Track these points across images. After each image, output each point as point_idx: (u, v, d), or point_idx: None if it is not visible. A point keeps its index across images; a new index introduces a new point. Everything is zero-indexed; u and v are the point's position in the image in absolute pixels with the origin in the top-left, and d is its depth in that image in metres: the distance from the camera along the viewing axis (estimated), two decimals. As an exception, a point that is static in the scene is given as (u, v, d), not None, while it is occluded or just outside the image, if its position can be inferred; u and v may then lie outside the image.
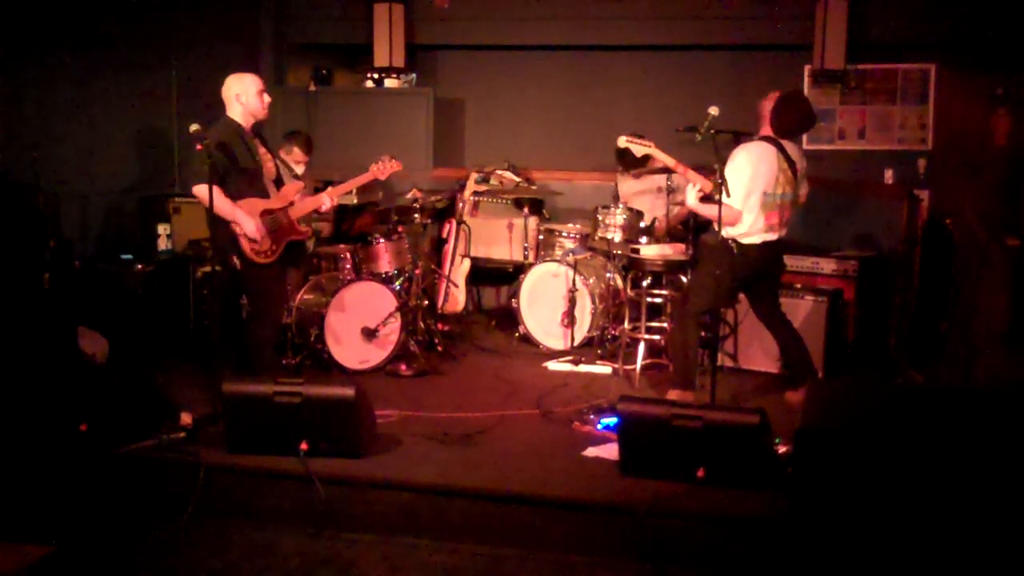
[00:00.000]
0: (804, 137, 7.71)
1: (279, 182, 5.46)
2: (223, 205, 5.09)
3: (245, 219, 5.18)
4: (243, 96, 5.28)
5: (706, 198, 5.20)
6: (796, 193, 5.43)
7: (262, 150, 5.41)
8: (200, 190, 5.11)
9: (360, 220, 7.61)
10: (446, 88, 8.58)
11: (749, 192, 5.18)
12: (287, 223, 5.39)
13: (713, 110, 5.17)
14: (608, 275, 6.80)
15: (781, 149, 5.28)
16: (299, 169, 6.77)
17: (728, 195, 5.06)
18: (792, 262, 6.35)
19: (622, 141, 5.59)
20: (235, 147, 5.22)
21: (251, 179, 5.29)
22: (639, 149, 5.53)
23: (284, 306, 5.88)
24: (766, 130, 5.33)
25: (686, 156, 5.57)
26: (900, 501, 3.77)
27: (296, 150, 6.81)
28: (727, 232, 5.24)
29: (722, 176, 4.96)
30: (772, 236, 5.33)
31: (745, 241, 5.26)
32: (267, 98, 5.37)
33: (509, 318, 7.26)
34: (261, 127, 5.46)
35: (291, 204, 5.42)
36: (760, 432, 4.14)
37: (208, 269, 6.19)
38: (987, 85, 7.10)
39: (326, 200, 5.63)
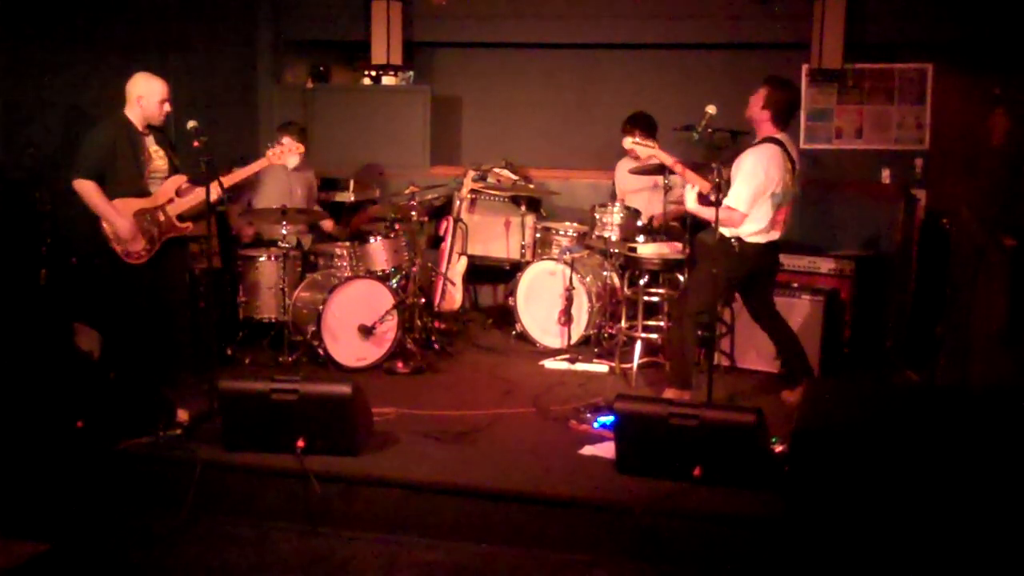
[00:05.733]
0: (801, 136, 7.75)
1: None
2: (98, 203, 5.22)
3: (116, 218, 5.26)
4: (144, 100, 5.37)
5: (706, 201, 5.19)
6: (795, 192, 5.44)
7: (154, 147, 5.45)
8: (81, 184, 5.22)
9: (357, 218, 7.61)
10: (444, 85, 8.56)
11: (759, 196, 5.17)
12: (164, 220, 5.41)
13: (710, 109, 5.18)
14: (605, 274, 6.80)
15: (784, 149, 5.28)
16: (294, 160, 6.75)
17: (726, 196, 5.07)
18: (789, 261, 6.35)
19: (628, 143, 5.61)
20: (120, 145, 5.29)
21: (129, 178, 5.33)
22: (644, 151, 5.55)
23: (179, 305, 5.65)
24: (766, 131, 5.31)
25: (683, 155, 5.58)
26: (896, 501, 3.78)
27: (289, 140, 6.81)
28: (730, 231, 5.24)
29: (720, 176, 4.96)
30: (775, 236, 5.34)
31: (750, 240, 5.26)
32: (167, 108, 5.42)
33: (506, 316, 7.27)
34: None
35: (170, 200, 5.44)
36: (756, 431, 4.14)
37: (204, 266, 6.19)
38: (984, 85, 7.10)
39: (213, 191, 5.60)
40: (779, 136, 5.30)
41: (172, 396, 4.98)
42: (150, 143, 5.46)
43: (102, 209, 5.25)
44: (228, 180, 5.67)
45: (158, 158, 5.48)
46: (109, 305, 5.55)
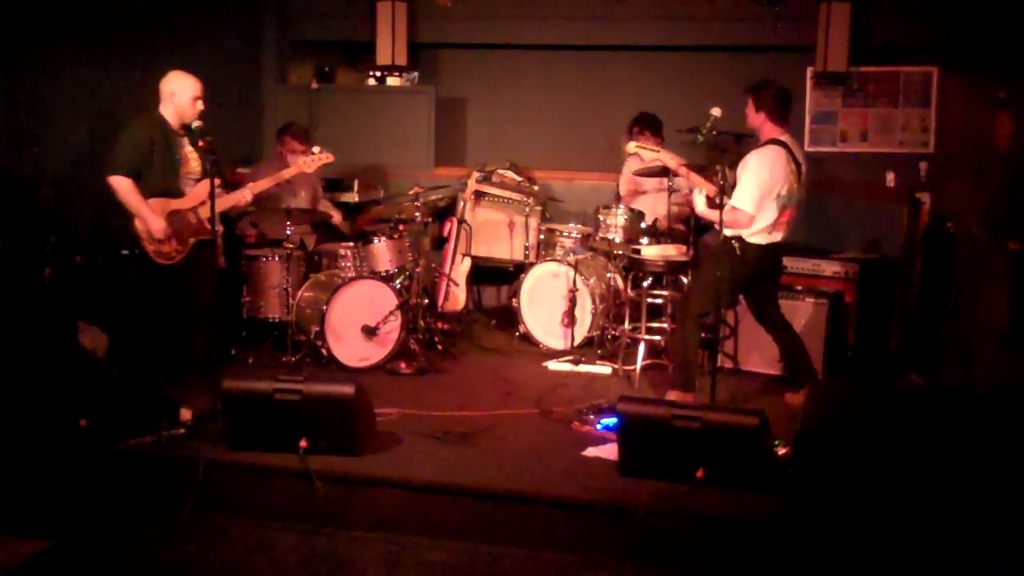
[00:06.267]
0: (806, 139, 7.74)
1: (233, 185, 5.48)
2: (133, 201, 5.22)
3: (151, 217, 5.25)
4: (177, 97, 5.36)
5: (715, 204, 5.19)
6: (800, 195, 5.44)
7: (187, 149, 5.45)
8: (118, 181, 5.22)
9: (361, 218, 7.61)
10: (448, 87, 8.57)
11: (764, 196, 5.17)
12: (195, 222, 5.42)
13: (715, 111, 5.18)
14: (609, 275, 6.79)
15: (789, 151, 5.29)
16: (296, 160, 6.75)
17: (731, 197, 5.07)
18: (793, 264, 6.35)
19: (631, 147, 5.62)
20: (156, 145, 5.30)
21: (164, 178, 5.34)
22: (648, 154, 5.55)
23: (203, 307, 5.55)
24: (768, 132, 5.32)
25: (687, 157, 5.58)
26: (899, 504, 3.77)
27: (290, 141, 6.81)
28: (732, 232, 5.23)
29: (725, 178, 4.96)
30: (777, 237, 5.34)
31: (751, 241, 5.26)
32: (200, 105, 5.38)
33: (509, 317, 7.26)
34: (197, 125, 5.35)
35: (203, 203, 5.44)
36: (759, 433, 4.14)
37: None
38: (989, 88, 7.09)
39: (245, 195, 5.63)
40: (783, 138, 5.31)
41: (175, 395, 4.98)
42: (185, 144, 5.47)
43: (136, 207, 5.25)
44: (257, 187, 5.73)
45: (193, 160, 5.49)
46: (127, 303, 5.55)
